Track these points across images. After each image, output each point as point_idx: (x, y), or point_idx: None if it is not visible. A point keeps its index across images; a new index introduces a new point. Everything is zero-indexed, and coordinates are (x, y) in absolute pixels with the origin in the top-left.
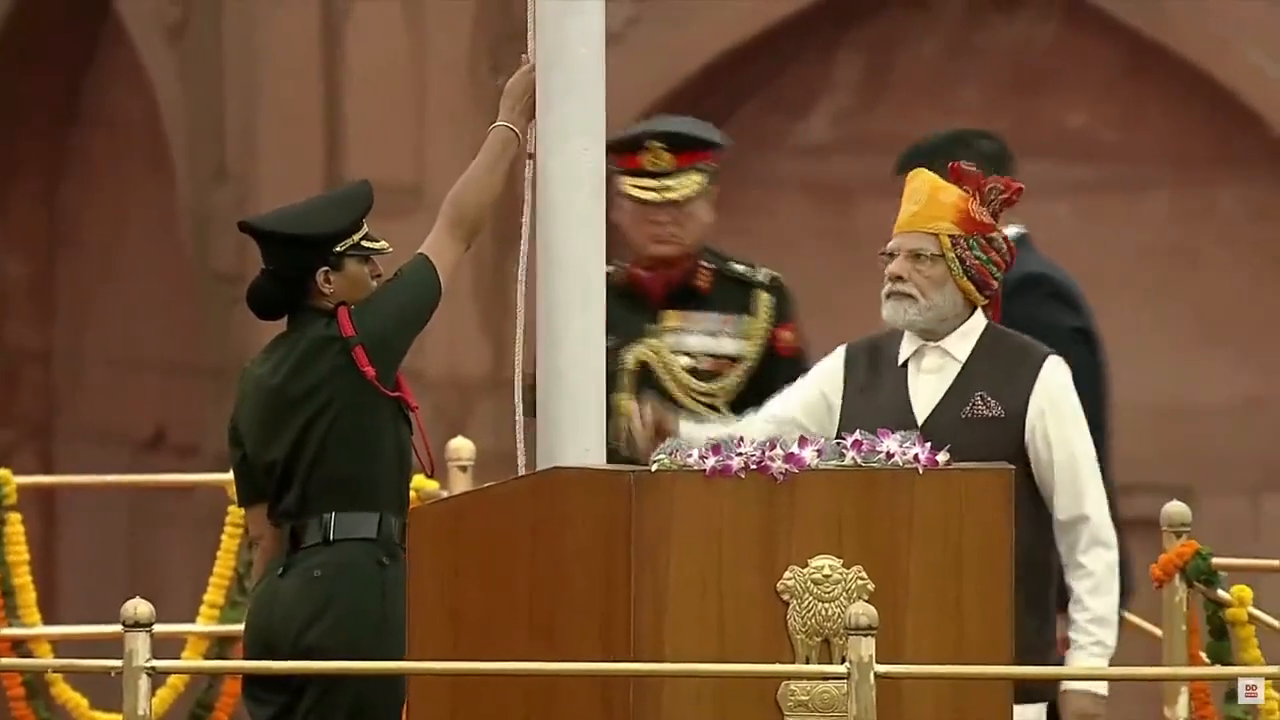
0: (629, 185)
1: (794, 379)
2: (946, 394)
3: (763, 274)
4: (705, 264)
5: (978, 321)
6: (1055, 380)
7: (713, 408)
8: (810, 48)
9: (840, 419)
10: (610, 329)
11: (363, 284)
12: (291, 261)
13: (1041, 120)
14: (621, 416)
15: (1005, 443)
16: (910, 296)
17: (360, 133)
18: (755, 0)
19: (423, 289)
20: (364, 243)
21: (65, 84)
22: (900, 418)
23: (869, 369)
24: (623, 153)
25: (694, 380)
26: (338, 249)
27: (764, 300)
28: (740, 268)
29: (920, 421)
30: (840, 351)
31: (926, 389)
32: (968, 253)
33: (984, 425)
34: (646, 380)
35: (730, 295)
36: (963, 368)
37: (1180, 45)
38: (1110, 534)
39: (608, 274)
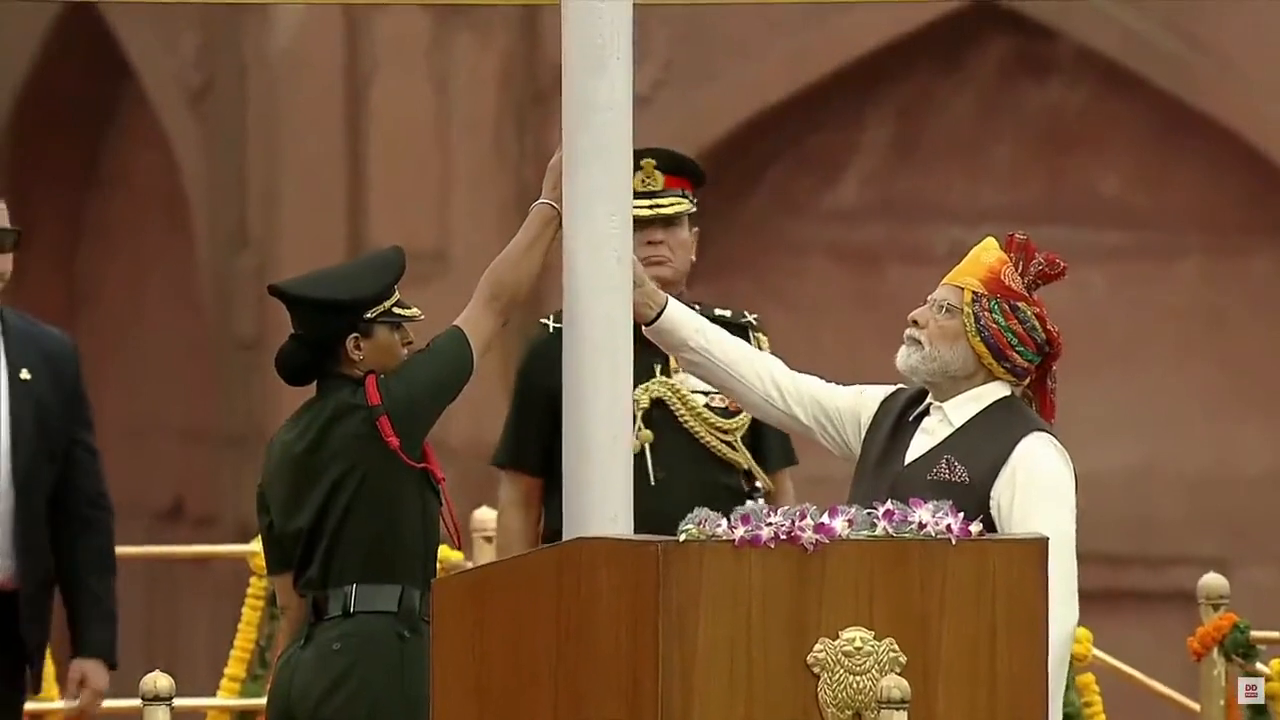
0: None
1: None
2: (927, 453)
3: (751, 317)
4: (696, 307)
5: (993, 390)
6: (1030, 455)
7: (730, 445)
8: (839, 111)
9: (862, 443)
10: None
11: (393, 352)
12: (322, 327)
13: (1073, 185)
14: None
15: (969, 509)
16: (918, 343)
17: (383, 197)
18: (783, 63)
19: (454, 361)
20: (395, 309)
21: (85, 147)
22: (888, 466)
23: (899, 413)
24: None
25: (716, 416)
26: (369, 315)
27: (764, 342)
28: (725, 313)
29: (899, 474)
30: (891, 388)
31: (918, 445)
32: (985, 313)
33: (946, 489)
34: (661, 417)
35: None
36: (954, 432)
37: (1212, 109)
38: (1061, 619)
39: None
